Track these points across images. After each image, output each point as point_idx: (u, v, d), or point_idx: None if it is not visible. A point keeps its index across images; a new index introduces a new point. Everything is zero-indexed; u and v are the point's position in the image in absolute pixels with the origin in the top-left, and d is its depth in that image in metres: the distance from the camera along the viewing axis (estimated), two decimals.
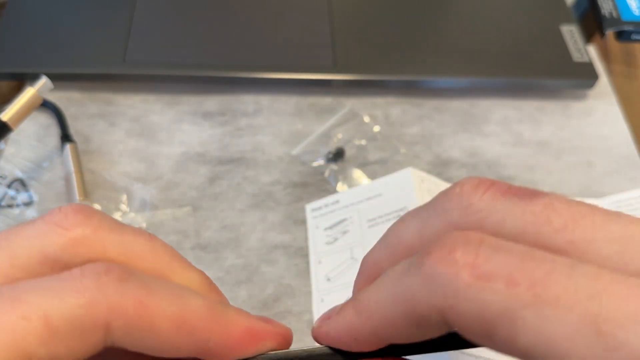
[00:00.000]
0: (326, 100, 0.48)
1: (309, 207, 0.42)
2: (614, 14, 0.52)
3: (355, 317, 0.16)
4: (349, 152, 0.45)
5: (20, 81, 0.47)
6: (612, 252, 0.13)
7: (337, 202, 0.41)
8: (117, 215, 0.40)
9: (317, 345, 0.18)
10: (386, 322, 0.15)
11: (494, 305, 0.12)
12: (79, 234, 0.16)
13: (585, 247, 0.13)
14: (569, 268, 0.12)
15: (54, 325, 0.14)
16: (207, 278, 0.18)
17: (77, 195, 0.40)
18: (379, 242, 0.18)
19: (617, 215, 0.14)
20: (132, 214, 0.40)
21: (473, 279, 0.13)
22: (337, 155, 0.44)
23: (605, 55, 0.55)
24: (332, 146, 0.45)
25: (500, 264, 0.13)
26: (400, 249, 0.17)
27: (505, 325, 0.12)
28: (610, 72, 0.54)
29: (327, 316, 0.17)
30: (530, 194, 0.15)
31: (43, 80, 0.40)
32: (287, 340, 0.18)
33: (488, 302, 0.13)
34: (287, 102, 0.48)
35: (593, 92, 0.51)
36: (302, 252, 0.40)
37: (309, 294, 0.38)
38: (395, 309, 0.15)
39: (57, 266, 0.16)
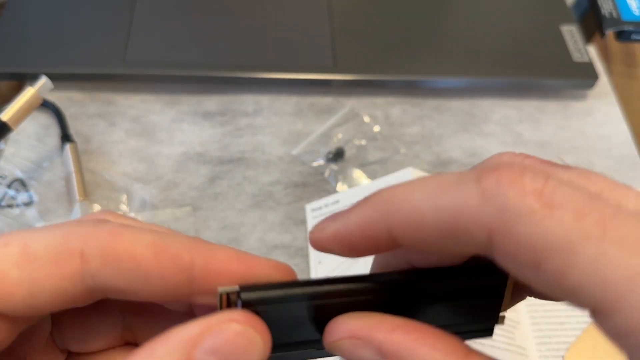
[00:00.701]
0: (326, 100, 0.48)
1: (309, 207, 0.42)
2: (614, 14, 0.52)
3: (373, 212, 0.15)
4: (349, 152, 0.45)
5: (20, 81, 0.47)
6: None
7: (337, 202, 0.41)
8: None
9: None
10: (416, 225, 0.14)
11: (557, 234, 0.12)
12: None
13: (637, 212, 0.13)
14: (632, 213, 0.12)
15: (30, 250, 0.15)
16: (199, 240, 0.17)
17: (77, 195, 0.40)
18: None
19: None
20: (132, 214, 0.40)
21: (540, 205, 0.12)
22: (337, 155, 0.44)
23: (605, 55, 0.55)
24: (332, 146, 0.45)
25: (568, 196, 0.12)
26: (454, 176, 0.14)
27: (562, 257, 0.12)
28: (610, 72, 0.54)
29: (333, 217, 0.16)
30: (563, 165, 0.15)
31: (43, 80, 0.40)
32: (286, 272, 0.17)
33: (551, 230, 0.12)
34: (287, 102, 0.48)
35: (593, 92, 0.51)
36: (302, 252, 0.40)
37: None
38: (433, 216, 0.13)
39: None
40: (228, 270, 0.16)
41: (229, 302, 0.16)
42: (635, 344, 0.12)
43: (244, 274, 0.16)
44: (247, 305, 0.15)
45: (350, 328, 0.15)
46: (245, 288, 0.15)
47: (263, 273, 0.16)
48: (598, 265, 0.12)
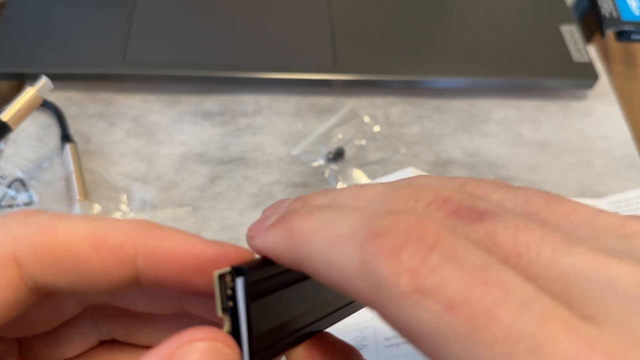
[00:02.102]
0: (326, 100, 0.48)
1: None
2: (614, 14, 0.52)
3: (282, 245, 0.14)
4: (349, 152, 0.45)
5: (21, 81, 0.47)
6: (556, 290, 0.11)
7: None
8: (117, 215, 0.40)
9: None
10: (316, 271, 0.13)
11: (425, 325, 0.11)
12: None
13: (534, 281, 0.12)
14: (523, 304, 0.11)
15: None
16: (145, 223, 0.17)
17: (77, 195, 0.40)
18: (346, 191, 0.16)
19: (569, 245, 0.12)
20: (132, 214, 0.40)
21: (411, 289, 0.11)
22: (337, 155, 0.44)
23: (605, 55, 0.55)
24: (332, 146, 0.45)
25: (445, 279, 0.11)
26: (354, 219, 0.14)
27: (432, 347, 0.11)
28: (610, 72, 0.54)
29: (260, 227, 0.16)
30: (475, 217, 0.13)
31: (43, 81, 0.40)
32: (239, 255, 0.16)
33: (420, 320, 0.11)
34: (287, 102, 0.48)
35: (593, 92, 0.51)
36: None
37: None
38: (325, 271, 0.13)
39: None
40: (175, 259, 0.15)
41: (224, 285, 0.15)
42: None
43: (193, 261, 0.15)
44: (249, 282, 0.15)
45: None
46: (237, 268, 0.15)
47: (214, 258, 0.15)
48: None
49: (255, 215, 0.41)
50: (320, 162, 0.44)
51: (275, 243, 0.15)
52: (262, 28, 0.50)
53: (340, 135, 0.46)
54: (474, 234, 0.12)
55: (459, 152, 0.46)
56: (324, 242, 0.13)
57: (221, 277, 0.15)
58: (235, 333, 0.15)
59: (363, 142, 0.46)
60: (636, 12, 0.52)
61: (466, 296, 0.11)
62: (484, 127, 0.48)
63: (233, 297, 0.15)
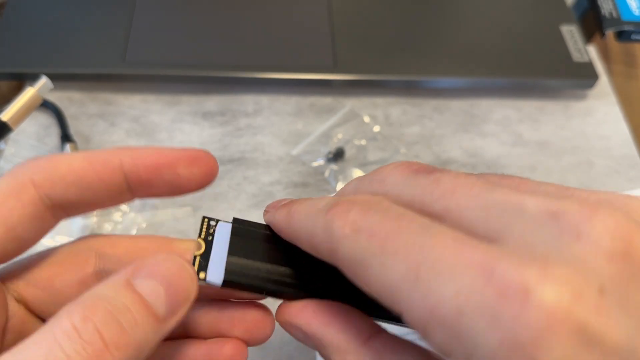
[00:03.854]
0: (326, 100, 0.48)
1: None
2: (614, 14, 0.52)
3: (283, 221, 0.20)
4: (349, 152, 0.45)
5: (20, 81, 0.47)
6: (475, 217, 0.15)
7: None
8: (117, 215, 0.40)
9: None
10: (300, 238, 0.19)
11: (357, 252, 0.15)
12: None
13: (459, 214, 0.15)
14: (420, 227, 0.15)
15: None
16: (128, 148, 0.21)
17: None
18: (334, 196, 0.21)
19: (500, 184, 0.15)
20: (132, 214, 0.40)
21: (351, 230, 0.16)
22: (337, 155, 0.44)
23: (605, 55, 0.55)
24: (332, 146, 0.45)
25: (370, 221, 0.15)
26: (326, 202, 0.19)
27: (363, 270, 0.15)
28: (611, 72, 0.54)
29: (274, 206, 0.21)
30: (428, 171, 0.17)
31: (43, 80, 0.40)
32: (204, 159, 0.20)
33: (355, 250, 0.15)
34: (287, 102, 0.48)
35: (593, 92, 0.51)
36: None
37: None
38: (305, 234, 0.18)
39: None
40: (152, 162, 0.19)
41: (208, 227, 0.21)
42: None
43: (166, 159, 0.19)
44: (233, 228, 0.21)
45: (284, 316, 0.20)
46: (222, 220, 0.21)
47: (182, 161, 0.20)
48: (381, 275, 0.15)
49: (256, 215, 0.41)
50: (320, 162, 0.44)
51: (279, 219, 0.20)
52: (262, 28, 0.50)
53: (340, 135, 0.46)
54: (424, 180, 0.17)
55: (459, 152, 0.46)
56: (306, 215, 0.18)
57: (209, 219, 0.21)
58: (204, 257, 0.20)
59: (363, 142, 0.46)
60: (636, 12, 0.52)
61: (381, 226, 0.15)
62: (484, 127, 0.48)
63: (213, 234, 0.21)
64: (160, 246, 0.21)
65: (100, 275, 0.20)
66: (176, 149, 0.20)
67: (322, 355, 0.19)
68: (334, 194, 0.22)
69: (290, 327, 0.20)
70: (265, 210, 0.21)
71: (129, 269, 0.17)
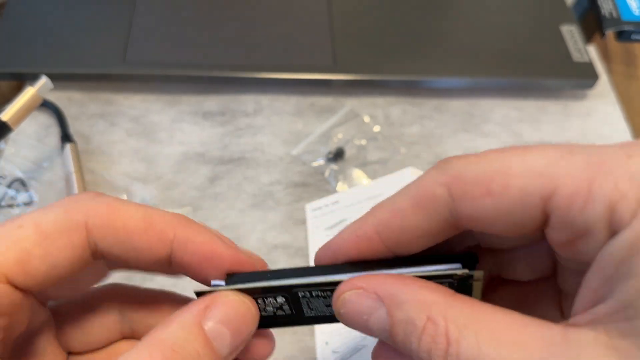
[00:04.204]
0: (326, 100, 0.48)
1: (309, 207, 0.42)
2: (614, 14, 0.52)
3: (358, 222, 0.19)
4: (349, 152, 0.45)
5: (21, 81, 0.47)
6: None
7: (337, 202, 0.41)
8: None
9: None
10: (394, 212, 0.18)
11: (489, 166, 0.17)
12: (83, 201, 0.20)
13: None
14: None
15: (43, 228, 0.18)
16: (183, 217, 0.20)
17: None
18: None
19: None
20: None
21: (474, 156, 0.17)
22: (337, 155, 0.44)
23: (605, 55, 0.55)
24: (332, 146, 0.45)
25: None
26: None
27: (500, 175, 0.17)
28: (610, 72, 0.54)
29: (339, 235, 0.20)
30: None
31: (43, 80, 0.40)
32: (255, 265, 0.20)
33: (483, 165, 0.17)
34: (287, 102, 0.48)
35: (593, 92, 0.51)
36: (302, 252, 0.40)
37: None
38: (406, 201, 0.18)
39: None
40: (201, 250, 0.19)
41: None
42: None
43: (213, 256, 0.19)
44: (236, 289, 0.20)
45: (353, 282, 0.18)
46: (231, 276, 0.20)
47: (232, 264, 0.20)
48: (527, 164, 0.16)
49: (256, 215, 0.41)
50: (320, 162, 0.44)
51: (349, 227, 0.20)
52: (262, 28, 0.50)
53: (340, 135, 0.46)
54: None
55: (459, 152, 0.46)
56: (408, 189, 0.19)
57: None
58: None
59: (363, 142, 0.46)
60: (636, 12, 0.52)
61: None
62: (484, 127, 0.48)
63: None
64: (230, 257, 0.20)
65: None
66: (231, 247, 0.20)
67: (394, 316, 0.17)
68: None
69: (358, 295, 0.18)
70: (317, 252, 0.20)
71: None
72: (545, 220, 0.16)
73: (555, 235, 0.16)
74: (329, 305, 0.20)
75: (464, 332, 0.16)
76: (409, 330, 0.17)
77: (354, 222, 0.19)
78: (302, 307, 0.20)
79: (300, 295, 0.20)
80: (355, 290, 0.18)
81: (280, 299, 0.20)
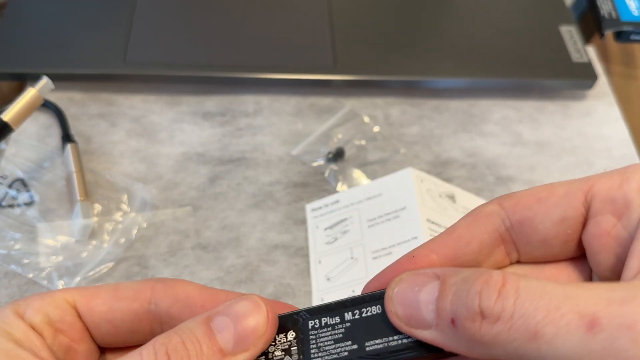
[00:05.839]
0: (326, 101, 0.48)
1: (309, 207, 0.42)
2: (613, 15, 0.52)
3: (412, 250, 0.19)
4: (348, 152, 0.45)
5: (21, 81, 0.47)
6: None
7: (337, 202, 0.41)
8: (117, 215, 0.40)
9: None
10: (449, 231, 0.20)
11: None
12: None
13: None
14: None
15: (120, 293, 0.21)
16: (156, 279, 0.22)
17: (77, 195, 0.40)
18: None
19: None
20: (133, 214, 0.40)
21: None
22: (337, 155, 0.44)
23: (605, 55, 0.55)
24: (332, 146, 0.45)
25: None
26: None
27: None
28: (609, 72, 0.54)
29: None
30: None
31: (44, 81, 0.40)
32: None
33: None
34: (287, 103, 0.48)
35: (592, 93, 0.51)
36: (302, 252, 0.40)
37: (309, 293, 0.38)
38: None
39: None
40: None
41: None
42: None
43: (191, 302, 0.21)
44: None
45: (418, 263, 0.19)
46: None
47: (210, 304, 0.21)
48: None
49: (256, 215, 0.41)
50: (320, 162, 0.44)
51: (424, 246, 0.20)
52: (262, 28, 0.50)
53: (340, 136, 0.46)
54: None
55: (459, 152, 0.46)
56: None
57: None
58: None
59: (363, 142, 0.46)
60: (635, 12, 0.52)
61: None
62: (483, 127, 0.48)
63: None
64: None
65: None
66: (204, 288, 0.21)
67: (446, 282, 0.17)
68: None
69: (414, 275, 0.18)
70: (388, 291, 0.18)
71: (218, 307, 0.19)
72: (586, 212, 0.18)
73: (594, 225, 0.18)
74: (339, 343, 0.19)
75: (523, 278, 0.15)
76: (459, 287, 0.16)
77: (409, 252, 0.20)
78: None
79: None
80: (415, 270, 0.18)
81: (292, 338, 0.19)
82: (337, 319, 0.19)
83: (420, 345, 0.17)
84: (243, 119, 0.47)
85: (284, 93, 0.49)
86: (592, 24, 0.53)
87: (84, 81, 0.47)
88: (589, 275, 0.20)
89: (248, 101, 0.48)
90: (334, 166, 0.44)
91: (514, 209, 0.19)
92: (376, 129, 0.47)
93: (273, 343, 0.19)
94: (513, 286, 0.15)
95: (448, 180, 0.44)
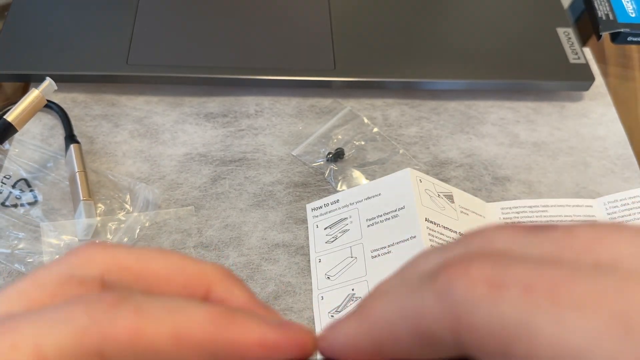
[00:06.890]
0: (326, 102, 0.49)
1: (309, 206, 0.42)
2: (610, 16, 0.53)
3: (357, 328, 0.15)
4: (348, 152, 0.46)
5: (25, 83, 0.48)
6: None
7: (337, 201, 0.42)
8: (120, 215, 0.41)
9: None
10: (390, 336, 0.14)
11: (510, 316, 0.12)
12: (91, 250, 0.16)
13: (613, 265, 0.12)
14: (592, 270, 0.12)
15: (43, 354, 0.13)
16: (221, 269, 0.17)
17: (81, 195, 0.40)
18: (395, 272, 0.16)
19: None
20: (136, 214, 0.41)
21: (487, 289, 0.12)
22: (337, 156, 0.45)
23: (601, 57, 0.56)
24: (332, 147, 0.46)
25: (516, 273, 0.12)
26: (416, 277, 0.15)
27: (523, 338, 0.11)
28: (606, 73, 0.54)
29: (332, 325, 0.16)
30: (550, 227, 0.14)
31: (47, 82, 0.40)
32: (305, 349, 0.16)
33: (504, 314, 0.12)
34: (288, 104, 0.49)
35: (589, 94, 0.51)
36: (303, 251, 0.40)
37: (309, 291, 0.39)
38: (401, 324, 0.14)
39: (74, 283, 0.15)
40: (250, 351, 0.15)
41: None
42: None
43: (265, 352, 0.16)
44: None
45: None
46: None
47: (288, 357, 0.16)
48: (562, 335, 0.11)
49: (257, 214, 0.42)
50: (320, 162, 0.45)
51: (348, 332, 0.16)
52: (263, 31, 0.51)
53: (339, 136, 0.47)
54: (554, 234, 0.13)
55: (456, 152, 0.47)
56: (396, 298, 0.14)
57: None
58: None
59: (362, 142, 0.46)
60: (632, 14, 0.53)
61: (540, 276, 0.12)
62: (480, 128, 0.49)
63: None
64: (284, 342, 0.16)
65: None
66: (280, 332, 0.16)
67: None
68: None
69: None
70: (319, 338, 0.16)
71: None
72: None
73: None
74: None
75: None
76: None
77: (348, 331, 0.15)
78: None
79: None
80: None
81: None
82: None
83: None
84: (244, 120, 0.47)
85: (285, 94, 0.49)
86: (589, 25, 0.54)
87: (87, 82, 0.47)
88: None
89: (249, 102, 0.48)
90: (334, 166, 0.45)
91: (474, 352, 0.14)
92: (375, 129, 0.47)
93: None
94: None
95: (446, 180, 0.44)
